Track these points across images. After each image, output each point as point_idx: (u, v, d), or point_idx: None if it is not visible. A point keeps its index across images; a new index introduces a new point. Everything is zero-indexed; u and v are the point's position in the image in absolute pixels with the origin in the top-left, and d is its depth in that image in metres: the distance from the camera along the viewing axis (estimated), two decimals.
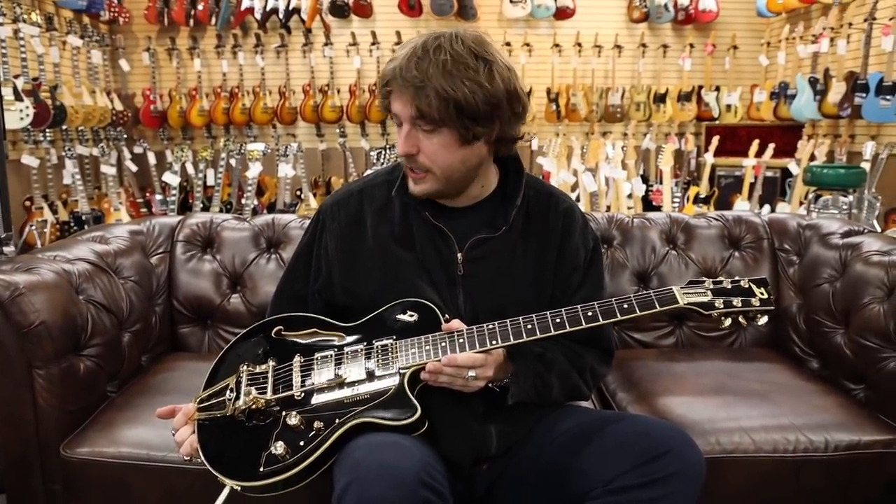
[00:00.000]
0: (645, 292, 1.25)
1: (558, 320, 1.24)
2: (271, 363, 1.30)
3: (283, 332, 1.36)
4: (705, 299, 1.23)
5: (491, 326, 1.24)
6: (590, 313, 1.24)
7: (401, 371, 1.24)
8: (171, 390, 1.69)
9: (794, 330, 1.97)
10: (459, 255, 1.35)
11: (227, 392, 1.27)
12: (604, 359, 1.44)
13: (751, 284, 1.25)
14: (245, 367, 1.30)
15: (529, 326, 1.24)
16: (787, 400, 1.64)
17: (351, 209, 1.43)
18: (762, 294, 1.24)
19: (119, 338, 1.76)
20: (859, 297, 1.76)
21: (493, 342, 1.23)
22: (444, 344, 1.24)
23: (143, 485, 1.47)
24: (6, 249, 3.71)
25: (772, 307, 1.24)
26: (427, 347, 1.25)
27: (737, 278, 1.26)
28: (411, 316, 1.30)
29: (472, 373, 1.22)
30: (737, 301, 1.23)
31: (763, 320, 1.24)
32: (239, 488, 1.18)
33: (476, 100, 1.21)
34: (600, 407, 1.76)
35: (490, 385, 1.30)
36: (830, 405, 1.65)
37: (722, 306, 1.23)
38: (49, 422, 1.52)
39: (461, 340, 1.24)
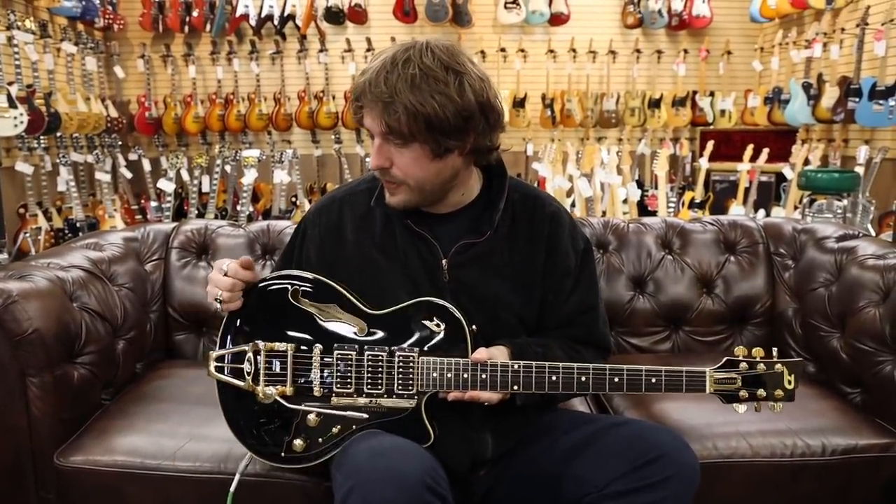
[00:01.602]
0: (677, 371, 1.26)
1: (584, 379, 1.25)
2: (290, 347, 1.28)
3: (300, 298, 1.31)
4: (731, 388, 1.25)
5: (516, 369, 1.25)
6: (616, 379, 1.25)
7: (419, 392, 1.26)
8: (167, 398, 1.68)
9: (791, 334, 1.97)
10: (444, 261, 1.34)
11: (246, 363, 1.29)
12: (601, 356, 1.45)
13: (784, 370, 1.25)
14: (263, 344, 1.29)
15: (554, 379, 1.25)
16: (784, 404, 1.64)
17: (332, 216, 1.41)
18: (788, 384, 1.25)
19: (113, 345, 1.75)
20: (855, 300, 1.76)
21: (515, 387, 1.25)
22: (465, 376, 1.25)
23: (138, 493, 1.45)
24: (0, 256, 3.70)
25: (792, 401, 1.26)
26: (449, 376, 1.25)
27: (773, 359, 1.26)
28: (437, 325, 1.27)
29: (484, 403, 1.25)
30: (761, 392, 1.25)
31: (779, 407, 1.26)
32: (259, 461, 1.31)
33: (447, 114, 1.18)
34: (597, 412, 1.76)
35: None
36: (827, 409, 1.65)
37: (746, 397, 1.25)
38: (42, 430, 1.51)
39: (483, 377, 1.24)
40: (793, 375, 1.25)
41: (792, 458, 1.50)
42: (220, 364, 1.31)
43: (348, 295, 1.31)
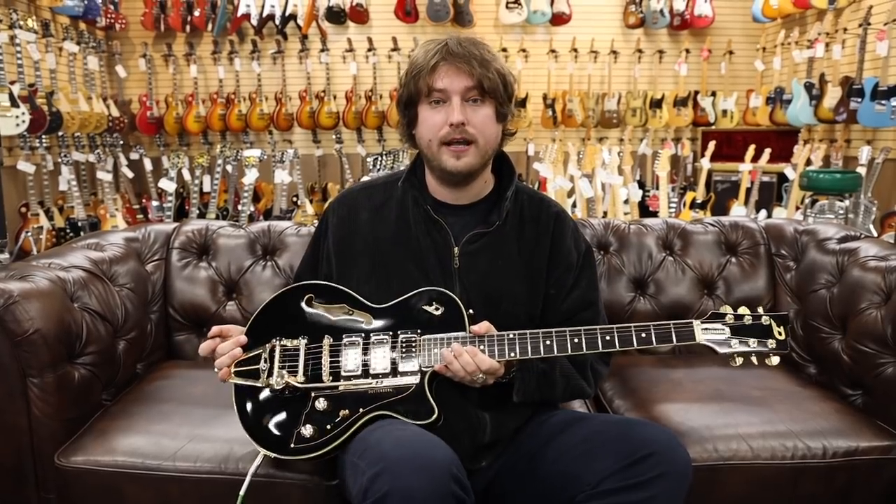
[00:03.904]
0: (664, 323, 1.29)
1: (576, 340, 1.29)
2: (303, 341, 1.37)
3: (313, 302, 1.41)
4: (722, 338, 1.28)
5: (511, 337, 1.29)
6: (607, 338, 1.28)
7: (422, 370, 1.30)
8: (167, 398, 1.68)
9: (792, 336, 1.96)
10: (456, 249, 1.40)
11: (262, 362, 1.36)
12: (602, 358, 1.47)
13: (771, 322, 1.28)
14: (278, 341, 1.37)
15: (548, 343, 1.29)
16: (785, 406, 1.64)
17: (349, 206, 1.50)
18: (779, 335, 1.28)
19: (114, 346, 1.75)
20: (856, 302, 1.76)
21: (512, 354, 1.29)
22: (465, 347, 1.29)
23: (138, 494, 1.45)
24: (1, 256, 3.70)
25: (786, 350, 1.28)
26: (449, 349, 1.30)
27: (759, 313, 1.29)
28: (437, 309, 1.34)
29: (481, 376, 1.27)
30: (753, 342, 1.27)
31: (775, 361, 1.27)
32: (273, 456, 1.31)
33: (510, 80, 1.38)
34: (596, 412, 1.76)
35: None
36: (828, 411, 1.64)
37: (737, 346, 1.27)
38: (43, 430, 1.51)
39: (482, 347, 1.29)
40: (782, 327, 1.28)
41: (793, 461, 1.50)
42: (239, 369, 1.37)
43: (355, 294, 1.40)
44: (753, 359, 1.27)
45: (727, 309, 1.30)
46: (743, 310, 1.30)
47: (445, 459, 1.14)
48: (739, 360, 1.27)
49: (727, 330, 1.28)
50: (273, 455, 1.31)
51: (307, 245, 1.59)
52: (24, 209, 4.36)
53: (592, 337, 1.28)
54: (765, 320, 1.28)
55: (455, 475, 1.13)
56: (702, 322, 1.29)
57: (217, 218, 4.78)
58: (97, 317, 1.69)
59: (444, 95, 1.33)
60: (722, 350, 1.27)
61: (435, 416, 1.27)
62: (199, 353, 1.42)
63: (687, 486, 1.21)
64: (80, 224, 4.45)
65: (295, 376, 1.33)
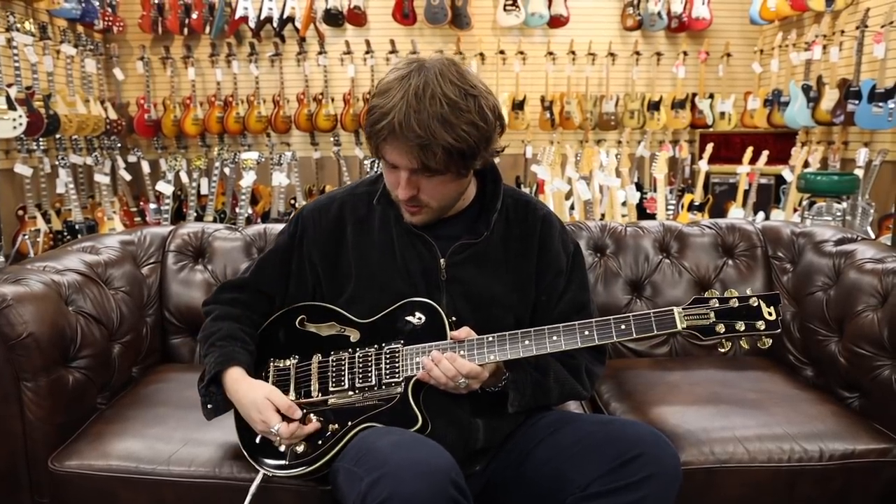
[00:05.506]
0: (644, 313, 1.24)
1: (555, 338, 1.27)
2: (293, 361, 1.42)
3: (305, 323, 1.44)
4: (706, 323, 1.21)
5: (490, 339, 1.29)
6: (586, 332, 1.26)
7: (406, 379, 1.31)
8: (162, 402, 1.68)
9: (789, 338, 1.96)
10: (442, 260, 1.38)
11: None
12: (597, 358, 1.46)
13: (760, 303, 1.20)
14: (272, 363, 1.43)
15: (527, 342, 1.28)
16: (782, 409, 1.64)
17: (332, 218, 1.45)
18: (769, 315, 1.20)
19: (109, 349, 1.75)
20: (853, 304, 1.76)
21: (492, 356, 1.28)
22: (445, 353, 1.29)
23: (133, 498, 1.45)
24: None
25: (777, 330, 1.20)
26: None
27: (747, 294, 1.22)
28: (419, 319, 1.35)
29: (464, 381, 1.26)
30: (740, 325, 1.20)
31: (768, 343, 1.21)
32: (270, 474, 1.35)
33: (475, 141, 1.23)
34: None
35: (485, 390, 1.34)
36: (825, 414, 1.64)
37: (723, 331, 1.20)
38: (37, 435, 1.51)
39: (462, 353, 1.28)
40: (772, 307, 1.20)
41: (789, 464, 1.49)
42: None
43: (343, 312, 1.42)
44: (743, 342, 1.19)
45: (713, 293, 1.23)
46: (730, 292, 1.23)
47: (446, 465, 1.14)
48: (728, 346, 1.20)
49: (712, 314, 1.21)
50: (271, 473, 1.34)
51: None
52: (21, 212, 4.35)
53: (570, 332, 1.26)
54: (753, 301, 1.21)
55: (455, 480, 1.12)
56: (683, 308, 1.22)
57: (215, 220, 4.78)
58: (92, 320, 1.69)
59: (392, 164, 1.28)
60: (707, 336, 1.20)
61: (419, 424, 1.28)
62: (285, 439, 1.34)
63: (677, 486, 1.20)
64: (77, 227, 4.44)
65: (287, 394, 1.36)
